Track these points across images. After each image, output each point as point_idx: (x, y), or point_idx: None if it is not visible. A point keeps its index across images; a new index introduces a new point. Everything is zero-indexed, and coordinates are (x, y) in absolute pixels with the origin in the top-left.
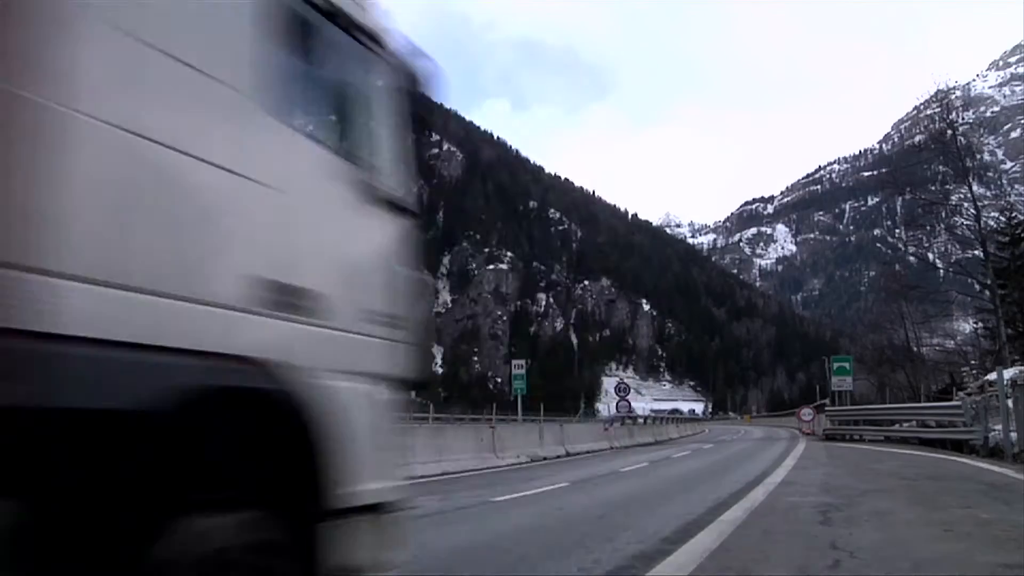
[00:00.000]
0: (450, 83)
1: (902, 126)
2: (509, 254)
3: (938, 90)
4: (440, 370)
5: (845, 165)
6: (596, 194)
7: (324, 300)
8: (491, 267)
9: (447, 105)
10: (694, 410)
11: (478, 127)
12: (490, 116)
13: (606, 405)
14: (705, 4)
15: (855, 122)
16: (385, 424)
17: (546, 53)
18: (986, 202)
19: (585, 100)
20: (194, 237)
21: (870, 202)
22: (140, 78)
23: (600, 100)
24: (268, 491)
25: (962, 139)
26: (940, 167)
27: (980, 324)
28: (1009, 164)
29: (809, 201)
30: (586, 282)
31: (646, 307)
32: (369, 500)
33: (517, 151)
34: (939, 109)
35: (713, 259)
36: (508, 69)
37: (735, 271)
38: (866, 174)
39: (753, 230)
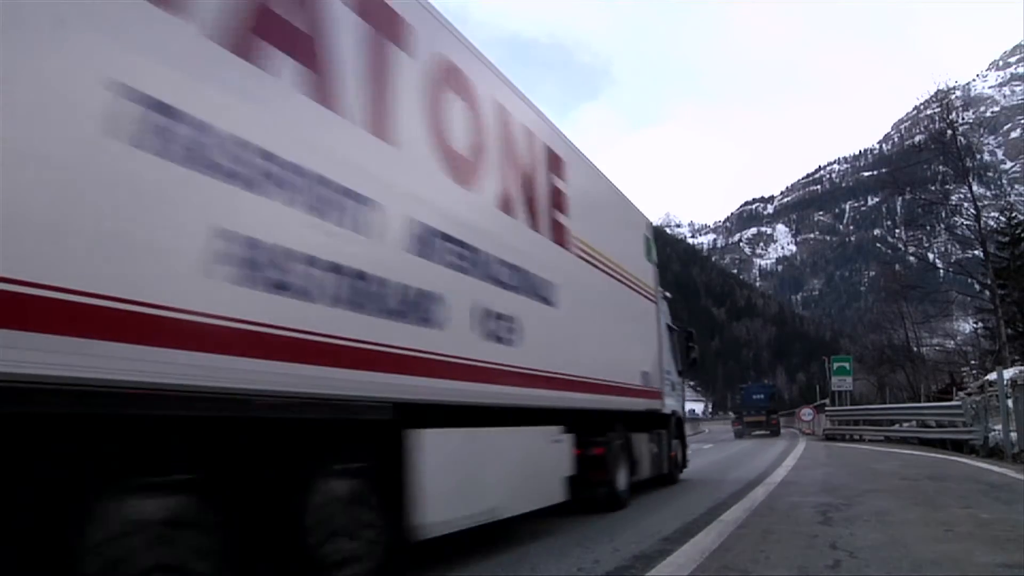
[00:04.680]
0: None
1: (902, 126)
2: None
3: (938, 90)
4: None
5: (845, 165)
6: None
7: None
8: None
9: None
10: (694, 410)
11: None
12: None
13: None
14: (703, 3)
15: (855, 122)
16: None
17: (538, 51)
18: (986, 202)
19: (580, 99)
20: (628, 348)
21: (870, 202)
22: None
23: (596, 99)
24: (675, 429)
25: (962, 139)
26: (940, 167)
27: (980, 324)
28: (1009, 164)
29: (809, 201)
30: None
31: None
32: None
33: None
34: (939, 109)
35: (713, 259)
36: (500, 67)
37: (735, 271)
38: (866, 174)
39: (753, 230)
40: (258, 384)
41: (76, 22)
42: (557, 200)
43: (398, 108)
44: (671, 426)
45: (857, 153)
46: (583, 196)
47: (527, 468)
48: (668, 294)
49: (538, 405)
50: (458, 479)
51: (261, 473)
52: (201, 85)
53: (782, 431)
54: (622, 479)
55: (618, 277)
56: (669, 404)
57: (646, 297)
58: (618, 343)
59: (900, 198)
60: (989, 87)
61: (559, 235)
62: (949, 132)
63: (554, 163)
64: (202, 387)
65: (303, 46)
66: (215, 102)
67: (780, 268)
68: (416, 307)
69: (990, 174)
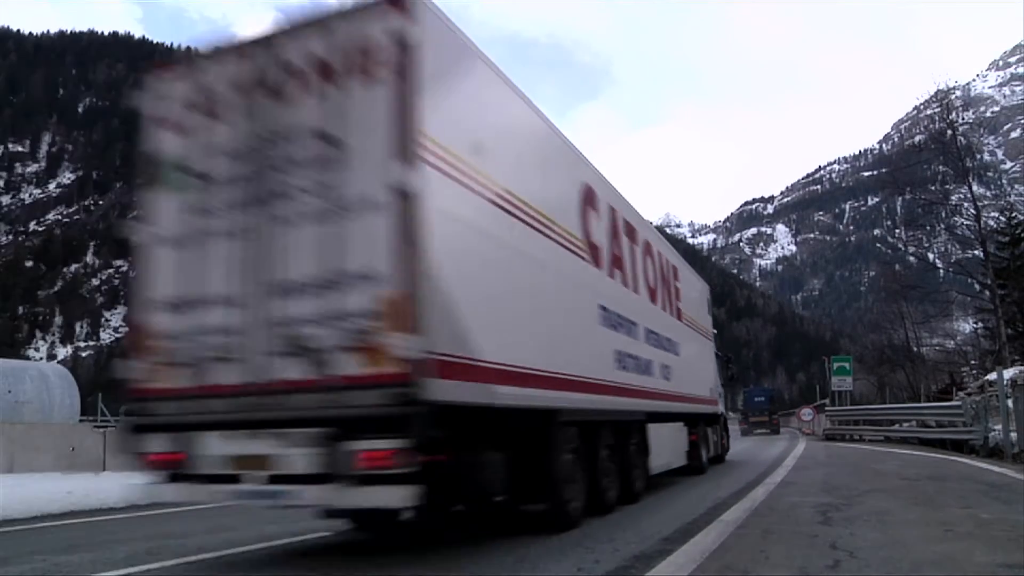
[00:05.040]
0: None
1: (902, 126)
2: None
3: (938, 90)
4: None
5: (845, 165)
6: None
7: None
8: None
9: None
10: None
11: None
12: None
13: None
14: (703, 3)
15: (855, 122)
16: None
17: (538, 51)
18: (986, 202)
19: (580, 99)
20: (703, 374)
21: (870, 202)
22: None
23: (596, 99)
24: (723, 425)
25: (962, 139)
26: (940, 167)
27: (980, 324)
28: (1009, 164)
29: (809, 201)
30: None
31: None
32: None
33: None
34: (939, 109)
35: (713, 259)
36: (499, 67)
37: (735, 271)
38: (866, 174)
39: (753, 230)
40: (625, 407)
41: (589, 291)
42: (677, 294)
43: (639, 277)
44: (721, 423)
45: (857, 153)
46: (684, 285)
47: (674, 444)
48: (715, 331)
49: (674, 411)
50: (659, 447)
51: (622, 436)
52: (618, 300)
53: (783, 431)
54: (704, 456)
55: (698, 331)
56: (720, 408)
57: (708, 338)
58: (699, 371)
59: (900, 198)
60: (989, 87)
61: (678, 314)
62: (949, 132)
63: (674, 272)
64: (607, 410)
65: (623, 267)
66: (618, 303)
67: (780, 268)
68: (647, 368)
69: (990, 174)
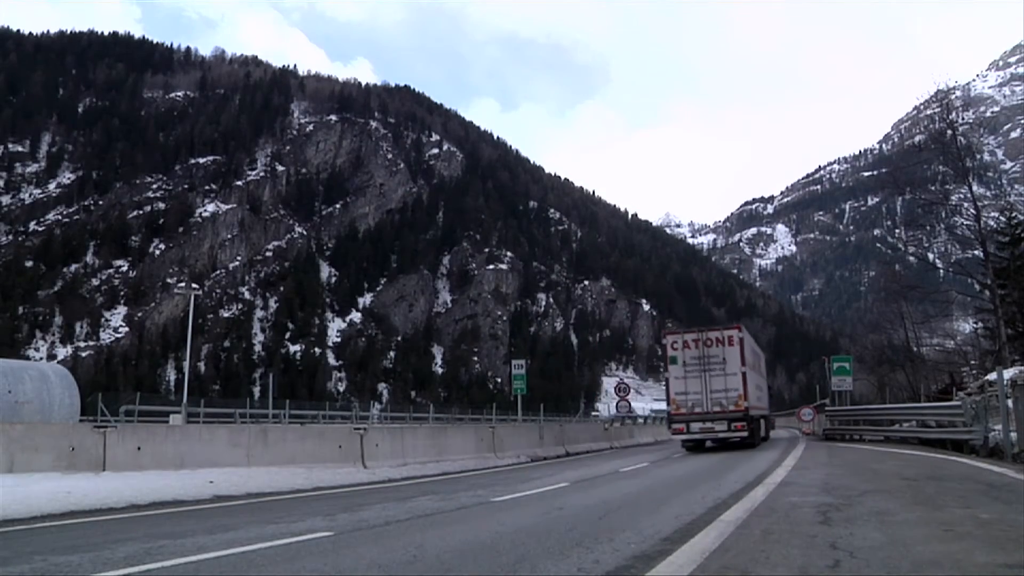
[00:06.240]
0: (441, 82)
1: (902, 126)
2: (509, 254)
3: (938, 90)
4: (440, 370)
5: (845, 165)
6: (596, 194)
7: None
8: (491, 267)
9: (447, 105)
10: None
11: (478, 127)
12: (481, 115)
13: (606, 405)
14: (702, 3)
15: (855, 122)
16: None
17: (536, 51)
18: (986, 202)
19: (579, 98)
20: (765, 396)
21: (870, 202)
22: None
23: (594, 98)
24: (766, 419)
25: (962, 139)
26: (940, 167)
27: (980, 324)
28: (1009, 164)
29: (809, 201)
30: (586, 282)
31: (646, 307)
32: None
33: (517, 151)
34: (939, 109)
35: (713, 259)
36: (497, 67)
37: (735, 271)
38: (866, 174)
39: (753, 230)
40: (761, 413)
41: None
42: (760, 368)
43: (757, 368)
44: (769, 418)
45: (857, 153)
46: (761, 361)
47: (764, 426)
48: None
49: (762, 414)
50: (764, 427)
51: (758, 422)
52: (756, 380)
53: (783, 431)
54: (769, 433)
55: (763, 375)
56: (768, 412)
57: (765, 379)
58: (765, 395)
59: (900, 198)
60: (989, 87)
61: (759, 371)
62: (949, 132)
63: (758, 352)
64: (757, 415)
65: (750, 360)
66: (757, 379)
67: (780, 268)
68: (759, 399)
69: (990, 174)
